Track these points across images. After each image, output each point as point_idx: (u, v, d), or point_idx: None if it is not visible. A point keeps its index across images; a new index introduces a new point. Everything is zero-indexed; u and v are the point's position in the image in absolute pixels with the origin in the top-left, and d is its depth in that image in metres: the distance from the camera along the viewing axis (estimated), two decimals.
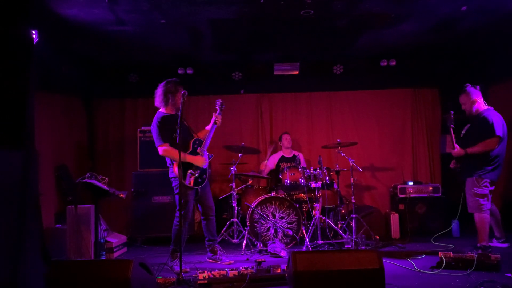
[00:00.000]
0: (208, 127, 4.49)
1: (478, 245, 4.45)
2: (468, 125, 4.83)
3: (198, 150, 4.34)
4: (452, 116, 4.74)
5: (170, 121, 4.24)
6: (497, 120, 4.51)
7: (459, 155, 4.60)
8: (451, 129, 4.71)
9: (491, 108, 4.68)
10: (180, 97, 4.11)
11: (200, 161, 4.30)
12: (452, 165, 4.91)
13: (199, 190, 4.36)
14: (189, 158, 4.24)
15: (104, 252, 4.84)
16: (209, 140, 4.42)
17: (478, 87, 4.73)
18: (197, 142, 4.39)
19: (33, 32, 3.63)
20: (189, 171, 4.24)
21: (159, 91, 4.40)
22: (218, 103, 4.56)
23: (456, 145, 4.63)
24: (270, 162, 6.35)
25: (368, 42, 5.69)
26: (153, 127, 4.27)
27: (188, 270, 4.13)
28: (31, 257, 2.99)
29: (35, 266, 3.01)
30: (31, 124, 3.21)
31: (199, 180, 4.31)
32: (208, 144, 4.41)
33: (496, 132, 4.42)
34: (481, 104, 4.69)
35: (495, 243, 4.77)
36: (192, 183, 4.24)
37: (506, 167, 5.88)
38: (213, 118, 4.46)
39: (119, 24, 4.77)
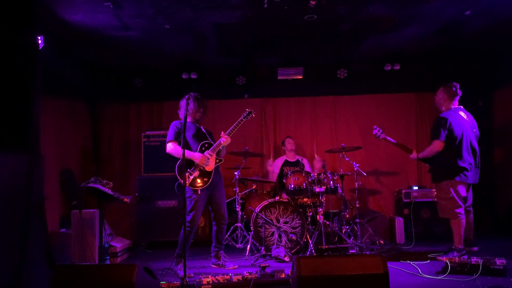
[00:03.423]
0: (219, 141, 4.39)
1: (455, 246, 4.45)
2: None
3: (206, 153, 4.35)
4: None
5: (187, 127, 4.36)
6: (441, 123, 4.44)
7: (415, 160, 4.66)
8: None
9: (455, 107, 4.60)
10: (200, 112, 4.49)
11: (200, 158, 4.27)
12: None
13: (206, 194, 4.34)
14: (188, 154, 4.24)
15: (108, 257, 4.84)
16: (217, 147, 4.37)
17: (459, 90, 4.63)
18: (205, 145, 4.41)
19: (39, 37, 3.67)
20: (187, 171, 4.23)
21: (182, 105, 4.47)
22: (245, 113, 4.54)
23: (413, 151, 4.70)
24: (275, 167, 6.34)
25: (372, 46, 5.70)
26: (170, 127, 4.50)
27: (192, 275, 4.12)
28: (36, 260, 3.00)
29: (39, 270, 3.02)
30: (37, 128, 3.24)
31: (198, 181, 4.28)
32: (216, 150, 4.37)
33: (439, 135, 4.40)
34: (447, 104, 4.63)
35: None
36: (188, 183, 4.22)
37: (508, 171, 5.89)
38: (221, 139, 4.36)
39: (124, 29, 4.80)
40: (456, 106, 4.63)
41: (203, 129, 4.56)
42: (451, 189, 4.44)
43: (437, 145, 4.47)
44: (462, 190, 4.46)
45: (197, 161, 4.29)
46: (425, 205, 5.90)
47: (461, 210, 4.44)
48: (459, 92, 4.63)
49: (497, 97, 6.28)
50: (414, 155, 4.69)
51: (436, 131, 4.47)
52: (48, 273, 3.00)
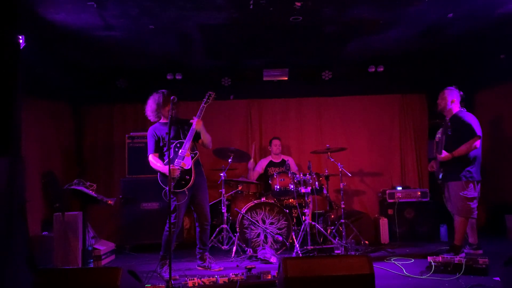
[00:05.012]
0: (190, 130, 4.37)
1: (458, 244, 4.53)
2: (441, 129, 4.78)
3: (180, 153, 4.33)
4: (449, 123, 4.67)
5: (161, 130, 4.43)
6: (474, 120, 4.54)
7: (447, 159, 4.56)
8: (444, 137, 4.65)
9: (464, 109, 4.71)
10: (169, 108, 4.19)
11: (171, 171, 4.12)
12: (430, 168, 4.99)
13: (187, 193, 4.29)
14: (162, 170, 4.27)
15: (92, 260, 4.77)
16: (188, 143, 4.33)
17: (461, 92, 4.75)
18: (178, 145, 4.38)
19: (20, 37, 3.60)
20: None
21: (149, 103, 4.48)
22: (205, 97, 4.46)
23: (443, 151, 4.60)
24: (259, 166, 6.35)
25: (356, 49, 5.74)
26: (148, 137, 4.49)
27: (178, 277, 4.10)
28: (18, 265, 2.94)
29: (22, 274, 2.96)
30: (18, 130, 3.17)
31: (182, 182, 4.26)
32: (187, 146, 4.32)
33: (476, 132, 4.45)
34: (457, 106, 4.72)
35: (468, 250, 4.68)
36: (172, 188, 4.19)
37: (494, 170, 6.00)
38: (193, 125, 4.35)
39: (108, 29, 4.74)
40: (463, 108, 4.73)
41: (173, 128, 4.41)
42: (475, 186, 4.53)
43: (477, 141, 4.46)
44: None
45: (171, 174, 4.12)
46: (409, 206, 5.97)
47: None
48: (462, 94, 4.74)
49: (478, 99, 6.40)
50: (447, 155, 4.57)
51: (471, 129, 4.46)
52: (30, 278, 2.94)
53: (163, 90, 4.49)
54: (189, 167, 4.33)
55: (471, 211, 4.49)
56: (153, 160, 4.38)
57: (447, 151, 4.57)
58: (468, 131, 4.48)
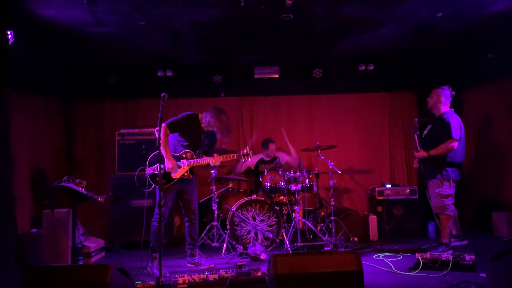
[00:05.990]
0: (205, 159, 4.45)
1: (444, 241, 4.70)
2: (430, 126, 4.98)
3: (181, 161, 4.36)
4: (417, 124, 5.00)
5: (192, 123, 4.47)
6: (455, 122, 4.67)
7: (423, 157, 4.79)
8: (416, 136, 4.97)
9: (452, 110, 4.84)
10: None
11: (170, 167, 4.27)
12: (415, 165, 5.12)
13: (175, 188, 4.38)
14: (165, 154, 4.26)
15: (82, 257, 4.75)
16: (195, 163, 4.42)
17: (452, 92, 4.87)
18: (188, 155, 4.42)
19: (8, 32, 3.56)
20: (157, 164, 4.24)
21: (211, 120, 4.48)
22: (243, 152, 4.54)
23: (419, 148, 4.85)
24: (249, 161, 6.31)
25: (347, 47, 5.77)
26: (180, 114, 4.50)
27: (168, 274, 4.09)
28: (6, 262, 2.92)
29: (10, 272, 2.94)
30: (8, 125, 3.15)
31: (158, 179, 4.25)
32: (194, 164, 4.42)
33: (452, 134, 4.58)
34: (445, 106, 4.85)
35: (454, 242, 4.92)
36: (148, 174, 4.34)
37: (481, 168, 6.08)
38: (211, 159, 4.41)
39: (98, 26, 4.71)
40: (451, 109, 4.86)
41: (203, 138, 4.53)
42: (450, 184, 4.71)
43: (452, 144, 4.61)
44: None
45: (166, 166, 4.27)
46: (398, 203, 6.02)
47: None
48: (453, 94, 4.85)
49: (466, 98, 6.46)
50: (423, 153, 4.79)
51: (448, 131, 4.61)
52: (19, 275, 2.92)
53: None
54: (175, 178, 4.38)
55: (445, 208, 4.68)
56: (163, 131, 4.20)
57: (425, 149, 4.78)
58: (446, 132, 4.63)
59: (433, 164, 4.74)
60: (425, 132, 5.01)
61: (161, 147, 4.04)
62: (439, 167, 4.70)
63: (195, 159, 4.41)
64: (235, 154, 4.50)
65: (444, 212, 4.69)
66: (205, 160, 4.43)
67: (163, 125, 4.25)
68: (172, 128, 4.39)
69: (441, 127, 4.71)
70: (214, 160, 4.39)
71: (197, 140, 4.50)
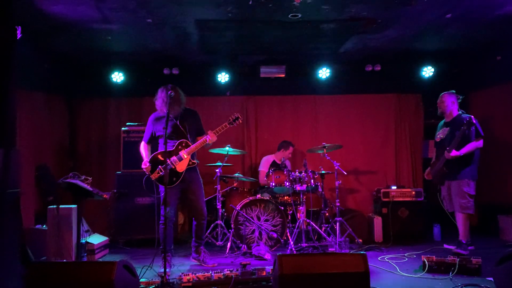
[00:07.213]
0: (201, 139, 4.38)
1: (464, 241, 4.76)
2: (447, 128, 4.97)
3: (181, 153, 4.33)
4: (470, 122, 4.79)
5: (158, 119, 4.50)
6: (476, 121, 4.75)
7: (455, 158, 4.72)
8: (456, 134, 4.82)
9: (463, 111, 4.99)
10: (179, 106, 4.40)
11: (145, 167, 4.35)
12: (427, 176, 5.22)
13: (178, 189, 4.38)
14: (144, 156, 4.45)
15: (86, 254, 4.74)
16: (194, 148, 4.39)
17: (459, 96, 5.01)
18: (182, 144, 4.37)
19: (16, 28, 3.55)
20: (158, 167, 4.28)
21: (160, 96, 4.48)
22: (232, 117, 4.45)
23: (453, 149, 4.74)
24: (264, 166, 6.28)
25: (354, 47, 5.74)
26: (147, 123, 4.61)
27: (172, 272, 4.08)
28: (9, 257, 2.91)
29: (13, 267, 2.93)
30: (13, 121, 3.14)
31: (168, 179, 4.24)
32: (193, 151, 4.40)
33: (481, 132, 4.71)
34: (456, 109, 4.98)
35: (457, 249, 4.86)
36: (155, 178, 4.33)
37: (487, 171, 6.04)
38: (207, 136, 4.35)
39: (105, 22, 4.69)
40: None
41: (179, 125, 4.44)
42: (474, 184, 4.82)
43: (481, 141, 4.72)
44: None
45: (142, 166, 4.36)
46: (403, 205, 5.96)
47: None
48: (460, 97, 5.01)
49: (473, 100, 6.43)
50: (456, 153, 4.76)
51: (476, 129, 4.72)
52: (22, 271, 2.92)
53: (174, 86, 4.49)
54: (182, 171, 4.35)
55: (472, 208, 4.76)
56: (142, 148, 4.57)
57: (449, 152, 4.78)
58: (474, 131, 4.72)
59: (461, 164, 4.77)
60: (440, 135, 5.04)
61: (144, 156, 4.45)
62: (468, 167, 4.77)
63: (191, 145, 4.37)
64: (226, 123, 4.40)
65: (471, 212, 4.77)
66: (202, 141, 4.35)
67: (143, 143, 4.57)
68: (150, 139, 4.54)
69: (465, 127, 4.67)
70: (210, 137, 4.33)
71: (175, 127, 4.40)
